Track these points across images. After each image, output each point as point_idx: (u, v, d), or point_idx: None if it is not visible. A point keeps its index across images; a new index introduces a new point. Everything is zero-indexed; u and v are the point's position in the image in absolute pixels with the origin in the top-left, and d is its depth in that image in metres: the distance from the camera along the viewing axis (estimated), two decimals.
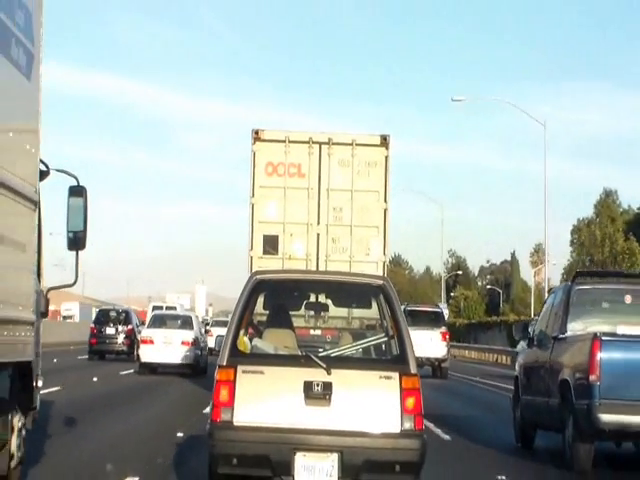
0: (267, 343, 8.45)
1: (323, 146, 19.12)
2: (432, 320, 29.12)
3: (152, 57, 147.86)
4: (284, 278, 9.29)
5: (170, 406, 17.32)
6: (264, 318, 10.38)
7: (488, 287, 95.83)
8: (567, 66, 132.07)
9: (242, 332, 8.22)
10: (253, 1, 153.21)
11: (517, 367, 13.91)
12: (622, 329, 11.16)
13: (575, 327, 11.70)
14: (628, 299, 11.93)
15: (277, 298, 9.37)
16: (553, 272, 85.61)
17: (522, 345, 13.76)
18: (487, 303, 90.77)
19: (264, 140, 19.13)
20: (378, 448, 7.60)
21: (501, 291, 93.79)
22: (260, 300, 9.21)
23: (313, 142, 19.03)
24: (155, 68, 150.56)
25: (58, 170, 8.57)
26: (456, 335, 67.09)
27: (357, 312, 17.53)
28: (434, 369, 29.17)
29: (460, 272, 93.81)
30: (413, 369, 7.78)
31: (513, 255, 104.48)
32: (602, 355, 10.47)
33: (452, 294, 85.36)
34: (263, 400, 7.74)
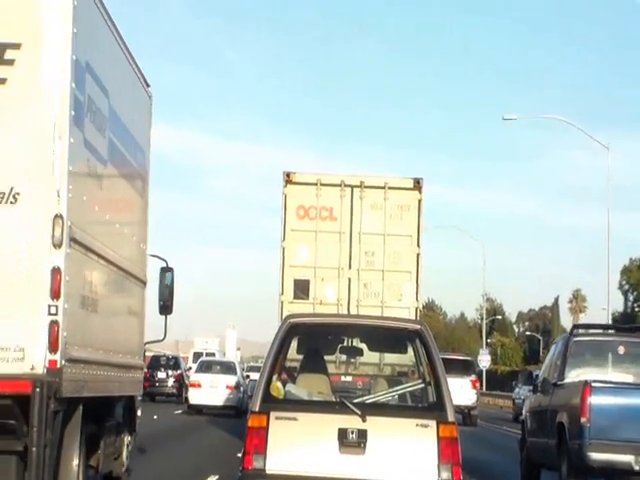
0: (301, 389, 8.55)
1: (355, 189, 19.52)
2: (462, 368, 30.37)
3: (180, 101, 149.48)
4: (318, 322, 9.37)
5: (210, 447, 18.83)
6: (296, 363, 10.56)
7: (527, 334, 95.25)
8: None
9: (275, 377, 8.36)
10: (281, 43, 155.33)
11: (524, 412, 15.54)
12: (613, 377, 12.83)
13: (572, 375, 13.18)
14: (621, 350, 13.61)
15: (311, 342, 9.47)
16: (597, 317, 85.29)
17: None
18: (525, 350, 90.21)
19: (295, 183, 19.50)
20: None
21: (541, 338, 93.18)
22: (293, 344, 9.37)
23: (345, 185, 19.45)
24: (184, 113, 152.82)
25: (152, 255, 11.68)
26: (497, 383, 66.60)
27: (389, 358, 17.76)
28: (464, 416, 29.98)
29: (499, 317, 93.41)
30: (451, 417, 7.80)
31: (556, 301, 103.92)
32: (592, 400, 11.92)
33: (488, 340, 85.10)
34: (296, 448, 7.78)
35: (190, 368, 39.07)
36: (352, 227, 19.43)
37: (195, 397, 29.72)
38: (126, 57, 9.92)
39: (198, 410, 29.10)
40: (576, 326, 15.10)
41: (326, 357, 10.28)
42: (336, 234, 19.36)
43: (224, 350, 74.59)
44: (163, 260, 12.13)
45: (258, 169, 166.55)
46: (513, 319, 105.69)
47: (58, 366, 7.37)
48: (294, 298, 19.26)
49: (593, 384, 12.15)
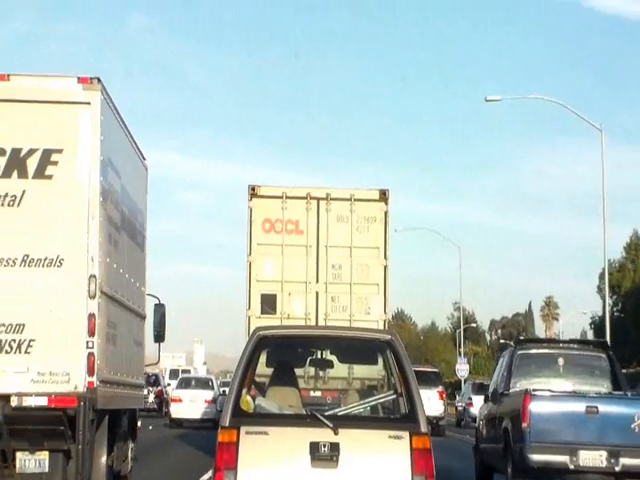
0: (271, 402, 8.64)
1: (321, 202, 19.89)
2: (430, 380, 31.93)
3: (144, 118, 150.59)
4: (288, 334, 9.43)
5: (187, 458, 20.55)
6: (265, 377, 10.53)
7: (501, 341, 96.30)
8: None
9: (245, 391, 8.42)
10: (244, 58, 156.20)
11: (477, 419, 17.39)
12: (554, 386, 14.77)
13: (517, 385, 14.99)
14: (561, 361, 15.60)
15: (280, 355, 9.54)
16: (575, 323, 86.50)
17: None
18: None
19: (261, 196, 19.85)
20: None
21: (514, 345, 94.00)
22: (262, 357, 9.45)
23: (311, 198, 19.83)
24: (148, 129, 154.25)
25: (149, 294, 14.98)
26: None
27: (358, 372, 18.09)
28: (432, 427, 31.02)
29: (474, 324, 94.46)
30: (424, 428, 7.90)
31: (529, 307, 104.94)
32: (531, 407, 13.59)
33: (461, 350, 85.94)
34: (267, 463, 7.86)
35: (168, 384, 42.28)
36: (319, 240, 19.80)
37: (176, 411, 33.21)
38: (130, 142, 13.04)
39: (179, 423, 32.45)
40: (520, 340, 17.46)
41: (295, 370, 10.22)
42: (303, 247, 19.71)
43: (192, 365, 75.72)
44: (157, 298, 15.59)
45: (223, 184, 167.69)
46: (485, 328, 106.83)
47: (94, 386, 10.40)
48: (261, 313, 19.63)
49: (532, 393, 13.82)
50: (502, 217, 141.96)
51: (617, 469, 13.55)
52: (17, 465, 10.62)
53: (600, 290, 74.45)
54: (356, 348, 9.51)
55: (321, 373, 17.39)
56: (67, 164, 10.75)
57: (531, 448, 13.59)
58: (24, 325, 10.51)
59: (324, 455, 7.75)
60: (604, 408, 13.81)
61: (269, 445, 7.86)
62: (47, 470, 10.68)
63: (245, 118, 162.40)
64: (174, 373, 47.08)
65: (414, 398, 8.03)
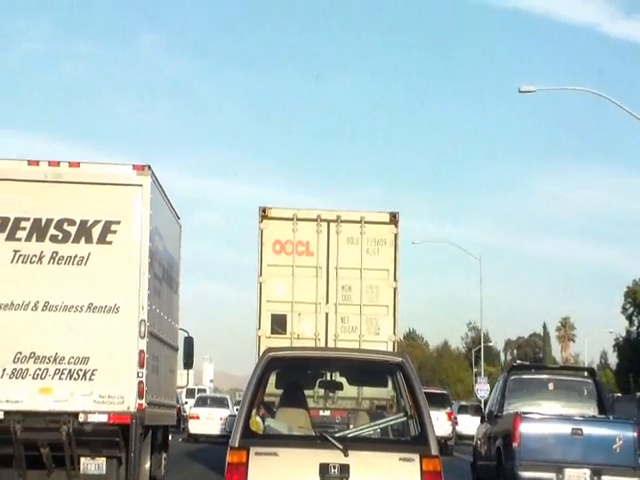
0: (280, 423, 8.88)
1: (331, 224, 21.04)
2: (438, 401, 34.12)
3: (154, 137, 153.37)
4: (298, 355, 9.67)
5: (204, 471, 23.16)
6: (274, 397, 11.05)
7: (518, 362, 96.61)
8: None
9: (254, 412, 8.59)
10: (255, 79, 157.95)
11: (475, 439, 19.52)
12: (545, 409, 16.86)
13: (510, 408, 17.05)
14: (551, 386, 17.60)
15: (290, 376, 9.73)
16: (593, 344, 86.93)
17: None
18: None
19: (272, 218, 21.03)
20: None
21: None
22: (272, 379, 9.60)
23: (321, 220, 21.04)
24: (158, 148, 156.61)
25: (180, 329, 18.79)
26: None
27: (367, 392, 19.21)
28: (441, 447, 32.58)
29: (490, 344, 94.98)
30: (434, 450, 8.11)
31: (544, 328, 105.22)
32: (522, 428, 15.59)
33: (475, 370, 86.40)
34: None
35: (185, 402, 45.85)
36: (329, 262, 20.89)
37: (194, 427, 38.31)
38: (170, 209, 16.86)
39: (196, 439, 37.44)
40: (514, 367, 19.46)
41: (305, 391, 10.66)
42: (313, 269, 20.80)
43: (201, 383, 77.58)
44: (186, 332, 20.09)
45: (234, 204, 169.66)
46: (499, 348, 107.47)
47: (143, 407, 13.93)
48: (271, 333, 20.59)
49: (522, 415, 15.86)
50: (515, 238, 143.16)
51: None
52: (81, 468, 14.17)
53: (625, 310, 74.15)
54: (366, 370, 9.70)
55: (331, 394, 17.82)
56: (124, 233, 14.48)
57: (521, 466, 15.55)
58: (89, 358, 14.12)
59: (334, 477, 7.96)
60: (588, 430, 15.71)
61: (279, 466, 8.06)
62: (104, 473, 14.18)
63: (256, 138, 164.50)
64: (190, 392, 49.80)
65: (425, 420, 8.26)
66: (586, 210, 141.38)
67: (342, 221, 21.04)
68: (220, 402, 40.46)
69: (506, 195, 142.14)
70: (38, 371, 14.04)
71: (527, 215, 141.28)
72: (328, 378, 10.70)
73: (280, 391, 9.99)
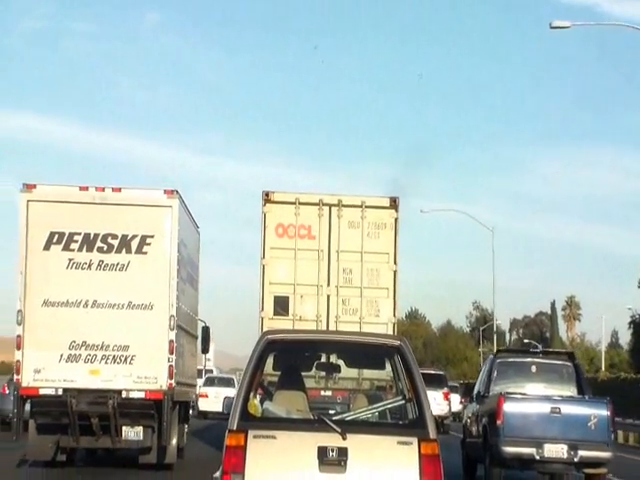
0: (278, 406, 9.33)
1: (333, 208, 22.83)
2: (435, 381, 37.31)
3: (156, 116, 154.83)
4: (296, 338, 10.12)
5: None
6: (271, 379, 11.89)
7: (525, 341, 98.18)
8: None
9: (252, 394, 9.02)
10: (258, 59, 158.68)
11: (465, 417, 22.27)
12: (528, 390, 19.38)
13: (496, 389, 19.46)
14: (534, 369, 19.97)
15: (288, 359, 10.18)
16: (602, 321, 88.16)
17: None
18: None
19: (274, 202, 22.80)
20: None
21: (539, 345, 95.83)
22: (270, 361, 10.06)
23: (323, 204, 22.84)
24: (159, 127, 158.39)
25: (199, 319, 23.85)
26: None
27: (367, 373, 20.81)
28: (437, 426, 35.81)
29: (499, 321, 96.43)
30: (432, 434, 8.49)
31: (552, 306, 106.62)
32: (505, 407, 18.05)
33: (480, 350, 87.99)
34: (275, 466, 8.44)
35: None
36: (330, 245, 22.75)
37: (203, 405, 44.44)
38: (192, 222, 20.94)
39: (205, 415, 43.86)
40: (499, 350, 22.22)
41: (305, 372, 11.19)
42: (315, 252, 22.66)
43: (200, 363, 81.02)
44: (203, 322, 25.47)
45: (235, 184, 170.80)
46: (505, 327, 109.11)
47: (173, 386, 18.49)
48: (274, 314, 22.32)
49: (506, 395, 18.49)
50: (520, 217, 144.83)
51: (576, 460, 18.21)
52: (122, 435, 18.83)
53: None
54: (364, 353, 10.20)
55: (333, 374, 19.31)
56: (157, 245, 19.02)
57: (505, 442, 18.11)
58: (129, 346, 18.64)
59: (332, 460, 8.36)
60: (566, 409, 18.32)
61: (277, 449, 8.47)
62: (141, 439, 18.97)
63: (257, 118, 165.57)
64: (198, 372, 55.79)
65: (422, 404, 8.65)
66: (590, 190, 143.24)
67: (343, 205, 22.92)
68: (227, 382, 46.31)
69: (511, 175, 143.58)
70: (88, 356, 18.57)
71: (531, 195, 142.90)
72: (326, 360, 11.14)
73: (278, 373, 10.51)
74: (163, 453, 19.50)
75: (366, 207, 22.60)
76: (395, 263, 22.56)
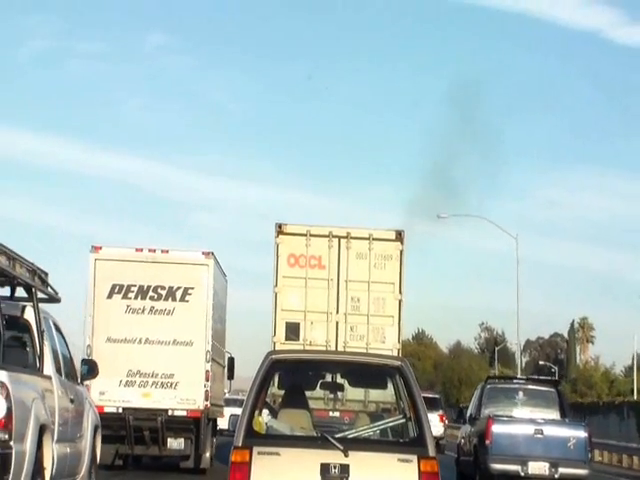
0: (282, 424, 10.10)
1: (342, 240, 26.22)
2: (431, 404, 41.90)
3: (161, 138, 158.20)
4: (299, 358, 10.96)
5: None
6: (275, 398, 13.11)
7: (541, 363, 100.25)
8: None
9: (257, 412, 9.76)
10: (267, 81, 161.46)
11: (459, 438, 26.38)
12: (515, 413, 23.07)
13: (486, 412, 23.22)
14: (521, 394, 23.64)
15: (292, 378, 11.05)
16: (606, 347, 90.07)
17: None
18: None
19: (287, 233, 26.26)
20: None
21: (556, 368, 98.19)
22: (275, 380, 11.05)
23: (333, 236, 26.31)
24: (164, 149, 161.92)
25: (226, 351, 30.93)
26: None
27: (373, 396, 23.86)
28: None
29: (512, 343, 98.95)
30: (432, 452, 9.26)
31: (571, 326, 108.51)
32: (494, 428, 21.80)
33: (495, 372, 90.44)
34: None
35: None
36: (339, 275, 26.07)
37: (220, 424, 51.75)
38: (222, 274, 27.79)
39: (220, 432, 48.60)
40: (489, 377, 26.87)
41: (313, 393, 13.11)
42: (324, 281, 25.98)
43: None
44: (229, 353, 32.04)
45: (240, 206, 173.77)
46: (514, 350, 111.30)
47: (208, 406, 25.31)
48: (285, 339, 25.45)
49: (494, 417, 22.41)
50: (530, 242, 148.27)
51: (556, 476, 21.85)
52: (167, 445, 25.15)
53: None
54: (367, 373, 11.12)
55: (340, 395, 21.05)
56: (196, 294, 25.30)
57: (493, 459, 21.89)
58: (174, 374, 24.97)
59: (334, 476, 9.09)
60: (548, 430, 22.11)
61: (281, 465, 9.18)
62: (182, 448, 25.30)
63: (266, 141, 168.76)
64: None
65: (422, 422, 9.46)
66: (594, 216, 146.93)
67: (352, 237, 26.42)
68: (240, 403, 49.87)
69: (517, 199, 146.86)
70: (142, 382, 24.92)
71: (536, 218, 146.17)
72: (329, 379, 12.12)
73: (282, 392, 11.57)
74: (199, 460, 25.91)
75: (373, 239, 25.92)
76: (400, 292, 25.88)
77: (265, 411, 10.71)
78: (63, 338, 15.03)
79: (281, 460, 9.14)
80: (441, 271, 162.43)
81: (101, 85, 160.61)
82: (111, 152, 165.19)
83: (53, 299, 14.25)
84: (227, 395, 67.79)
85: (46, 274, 13.63)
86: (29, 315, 13.14)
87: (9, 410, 10.85)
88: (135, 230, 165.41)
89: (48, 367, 13.28)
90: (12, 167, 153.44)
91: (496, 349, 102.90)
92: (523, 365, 63.93)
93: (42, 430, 12.16)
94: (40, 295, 13.44)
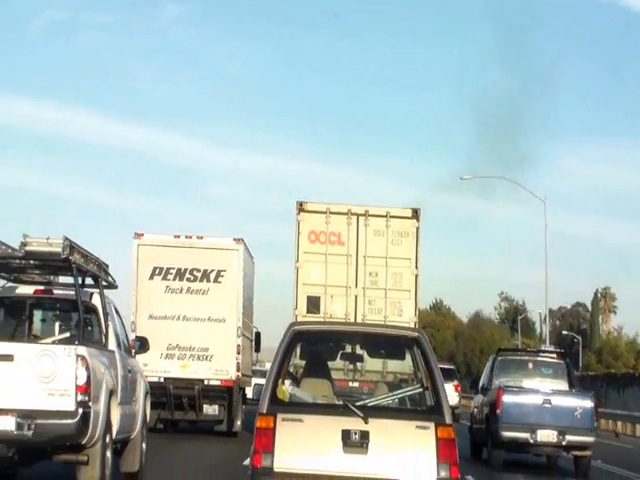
0: (305, 392, 10.64)
1: (360, 217, 27.78)
2: (446, 375, 46.41)
3: (178, 109, 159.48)
4: (321, 329, 11.64)
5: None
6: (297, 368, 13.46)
7: (564, 333, 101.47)
8: None
9: (280, 381, 10.29)
10: (279, 51, 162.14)
11: (472, 407, 28.44)
12: (525, 384, 24.72)
13: (497, 382, 24.95)
14: (530, 365, 25.54)
15: (314, 348, 11.49)
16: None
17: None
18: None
19: (307, 211, 27.99)
20: None
21: (579, 338, 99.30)
22: (297, 351, 11.46)
23: (351, 214, 27.86)
24: (182, 120, 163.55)
25: (253, 326, 34.89)
26: None
27: (391, 366, 25.05)
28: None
29: (533, 312, 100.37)
30: (448, 419, 9.78)
31: (595, 296, 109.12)
32: (504, 398, 23.55)
33: (518, 342, 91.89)
34: (302, 447, 9.71)
35: None
36: (358, 251, 27.62)
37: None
38: (250, 257, 31.63)
39: (245, 402, 55.08)
40: (500, 349, 27.73)
41: (334, 364, 12.91)
42: (344, 257, 27.59)
43: None
44: (256, 328, 35.25)
45: (256, 177, 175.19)
46: (535, 319, 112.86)
47: (239, 377, 29.19)
48: (307, 312, 27.06)
49: (504, 388, 24.17)
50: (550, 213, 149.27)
51: (564, 443, 23.66)
52: (203, 411, 28.81)
53: None
54: (385, 344, 11.76)
55: (359, 365, 22.66)
56: (228, 276, 29.04)
57: (503, 428, 23.59)
58: (208, 348, 28.68)
59: (355, 442, 9.67)
60: (556, 400, 23.74)
61: (304, 431, 9.76)
62: (217, 414, 29.10)
63: (277, 111, 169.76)
64: None
65: (439, 391, 9.96)
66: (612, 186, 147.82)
67: (370, 215, 27.87)
68: (263, 374, 52.71)
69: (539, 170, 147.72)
70: (180, 355, 28.56)
71: (559, 190, 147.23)
72: (349, 350, 12.62)
73: (304, 362, 11.99)
74: (231, 424, 29.41)
75: (390, 217, 27.47)
76: (416, 268, 27.36)
77: (288, 381, 11.23)
78: (120, 319, 17.45)
79: (304, 426, 9.71)
80: (459, 242, 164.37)
81: (114, 56, 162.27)
82: (124, 122, 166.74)
83: (112, 286, 16.64)
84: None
85: (107, 265, 16.15)
86: (96, 300, 15.74)
87: (88, 378, 13.40)
88: (151, 200, 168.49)
89: (112, 343, 15.84)
90: (35, 138, 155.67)
91: (518, 318, 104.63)
92: (547, 334, 64.90)
93: (110, 394, 14.73)
94: (103, 283, 16.13)
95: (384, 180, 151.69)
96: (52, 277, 16.38)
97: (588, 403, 23.67)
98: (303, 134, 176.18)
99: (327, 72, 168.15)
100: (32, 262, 14.64)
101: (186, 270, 28.47)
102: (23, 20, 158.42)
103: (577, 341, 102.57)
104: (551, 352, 29.56)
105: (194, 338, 28.25)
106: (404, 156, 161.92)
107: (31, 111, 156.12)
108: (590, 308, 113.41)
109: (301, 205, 27.54)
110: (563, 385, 25.36)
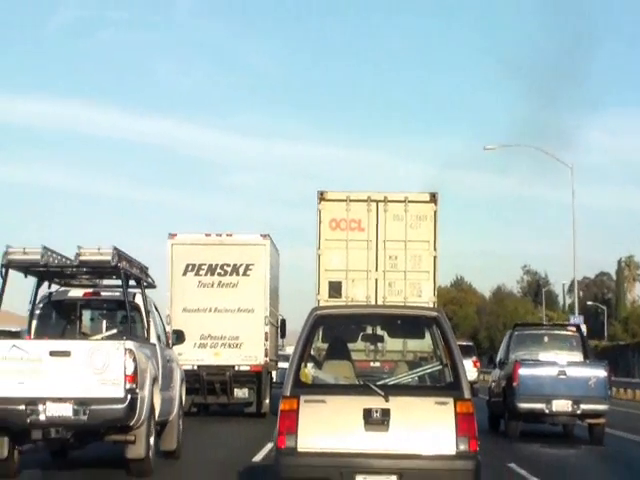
0: (327, 374, 10.98)
1: (379, 203, 29.26)
2: (465, 351, 45.75)
3: (197, 99, 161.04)
4: (342, 313, 12.05)
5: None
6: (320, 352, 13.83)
7: (589, 303, 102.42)
8: None
9: (303, 364, 10.61)
10: (302, 43, 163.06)
11: (490, 381, 29.37)
12: (541, 357, 26.09)
13: (513, 356, 26.32)
14: (546, 339, 26.86)
15: (335, 331, 11.80)
16: None
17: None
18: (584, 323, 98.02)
19: (328, 200, 29.50)
20: (435, 469, 9.90)
21: (604, 308, 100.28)
22: (319, 334, 11.76)
23: (371, 200, 29.36)
24: (200, 110, 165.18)
25: (279, 314, 36.88)
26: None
27: (411, 346, 26.14)
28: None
29: (568, 282, 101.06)
30: (467, 394, 10.13)
31: (619, 265, 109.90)
32: (520, 371, 24.84)
33: (543, 315, 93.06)
34: (325, 427, 10.06)
35: None
36: (378, 236, 29.08)
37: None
38: (276, 250, 33.64)
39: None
40: (517, 324, 29.11)
41: (355, 345, 13.31)
42: (364, 242, 29.03)
43: None
44: (281, 315, 36.96)
45: (279, 166, 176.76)
46: (558, 291, 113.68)
47: (267, 362, 31.92)
48: (329, 297, 28.66)
49: (520, 361, 25.53)
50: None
51: (578, 412, 24.88)
52: (234, 395, 31.18)
53: None
54: (405, 324, 12.13)
55: (380, 346, 23.06)
56: (256, 270, 31.17)
57: (520, 399, 24.78)
58: (238, 337, 30.95)
59: (376, 420, 10.01)
60: (570, 371, 24.99)
61: (326, 412, 10.09)
62: (247, 397, 31.41)
63: (301, 101, 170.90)
64: None
65: (458, 368, 10.34)
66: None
67: (388, 201, 29.23)
68: (286, 358, 54.26)
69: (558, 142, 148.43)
70: (212, 344, 30.74)
71: (582, 163, 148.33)
72: (370, 332, 12.95)
73: (326, 345, 12.34)
74: (260, 406, 31.55)
75: (409, 202, 28.77)
76: (435, 249, 28.69)
77: (310, 364, 11.49)
78: (159, 314, 19.69)
79: (326, 407, 10.08)
80: (479, 218, 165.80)
81: (134, 52, 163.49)
82: (146, 116, 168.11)
83: (151, 286, 18.92)
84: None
85: (147, 268, 18.33)
86: (138, 299, 18.01)
87: (135, 368, 15.33)
88: (176, 193, 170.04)
89: (153, 337, 18.03)
90: (61, 135, 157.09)
91: (542, 291, 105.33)
92: (576, 303, 65.31)
93: (153, 382, 16.69)
94: (144, 284, 18.45)
95: (407, 162, 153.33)
96: (97, 280, 18.59)
97: (601, 373, 24.71)
98: (324, 120, 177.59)
99: (347, 56, 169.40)
100: (84, 269, 16.82)
101: (217, 265, 30.65)
102: (42, 19, 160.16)
103: (602, 311, 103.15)
104: (565, 325, 31.20)
105: (225, 328, 30.34)
106: (425, 135, 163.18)
107: (54, 110, 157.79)
108: (615, 277, 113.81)
109: (322, 194, 28.86)
110: (578, 357, 26.50)
